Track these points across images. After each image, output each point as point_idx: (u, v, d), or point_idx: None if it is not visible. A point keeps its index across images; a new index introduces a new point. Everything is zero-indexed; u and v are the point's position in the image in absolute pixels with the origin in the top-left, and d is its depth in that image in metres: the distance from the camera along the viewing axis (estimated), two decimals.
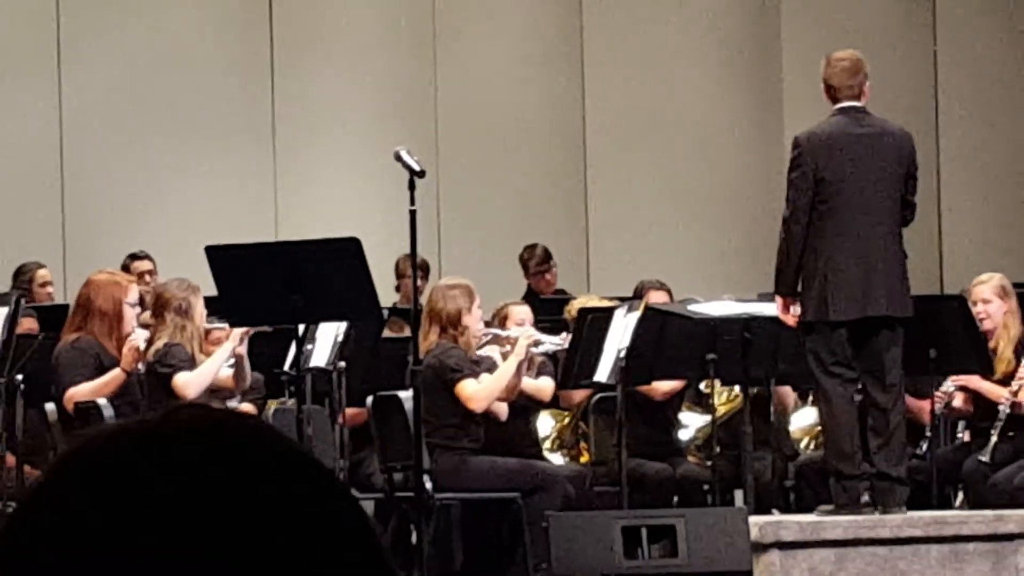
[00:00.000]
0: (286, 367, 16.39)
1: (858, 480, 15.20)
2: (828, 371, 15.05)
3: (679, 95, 24.78)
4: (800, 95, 22.93)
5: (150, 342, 15.53)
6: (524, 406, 16.55)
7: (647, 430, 16.94)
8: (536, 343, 16.36)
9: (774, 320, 15.78)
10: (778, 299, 15.45)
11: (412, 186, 15.17)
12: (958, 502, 16.91)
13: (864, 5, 25.56)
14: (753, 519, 14.80)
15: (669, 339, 16.35)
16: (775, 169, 19.12)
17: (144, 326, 15.91)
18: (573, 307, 17.65)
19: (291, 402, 16.40)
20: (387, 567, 1.72)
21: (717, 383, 16.69)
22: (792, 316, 15.26)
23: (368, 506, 16.75)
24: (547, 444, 17.22)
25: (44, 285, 19.29)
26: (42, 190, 22.26)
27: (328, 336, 16.52)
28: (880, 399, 15.26)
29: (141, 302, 16.12)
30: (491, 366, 16.19)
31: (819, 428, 16.81)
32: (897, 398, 15.46)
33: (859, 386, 15.40)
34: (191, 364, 15.49)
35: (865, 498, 15.26)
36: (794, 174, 15.17)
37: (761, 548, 14.46)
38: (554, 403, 17.15)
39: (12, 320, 16.28)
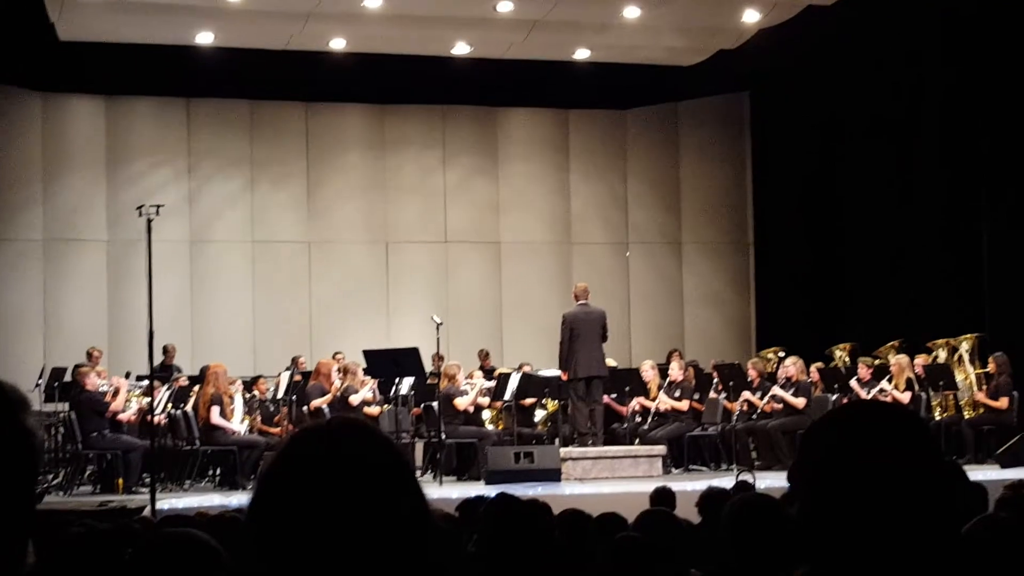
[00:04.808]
0: (391, 393, 17.50)
1: (586, 436, 16.72)
2: (577, 397, 16.81)
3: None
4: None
5: (341, 385, 16.93)
6: (478, 407, 17.70)
7: (522, 416, 18.04)
8: (483, 385, 17.89)
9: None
10: (561, 371, 16.99)
11: (437, 328, 16.98)
12: (636, 443, 17.56)
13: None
14: (561, 450, 16.46)
15: (531, 383, 18.01)
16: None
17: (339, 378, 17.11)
18: (496, 372, 18.94)
19: (391, 406, 17.50)
20: (415, 480, 1.90)
21: (548, 399, 18.32)
22: (565, 376, 16.88)
23: (420, 444, 18.12)
24: (487, 421, 18.09)
25: (302, 364, 19.50)
26: (302, 335, 22.63)
27: (407, 382, 17.43)
28: (595, 408, 16.91)
29: (339, 371, 17.30)
30: (466, 394, 17.34)
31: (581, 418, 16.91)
32: (599, 406, 16.99)
33: (591, 401, 16.86)
34: (355, 392, 16.78)
35: (590, 442, 16.64)
36: (564, 327, 16.76)
37: (563, 459, 16.10)
38: (489, 407, 18.14)
39: (291, 376, 18.21)
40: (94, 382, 16.46)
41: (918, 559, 2.01)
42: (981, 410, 17.69)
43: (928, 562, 2.01)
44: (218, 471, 17.44)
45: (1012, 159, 18.97)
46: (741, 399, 18.26)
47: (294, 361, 19.96)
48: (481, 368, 20.13)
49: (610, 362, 18.14)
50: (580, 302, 17.20)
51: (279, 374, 18.99)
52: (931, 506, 2.03)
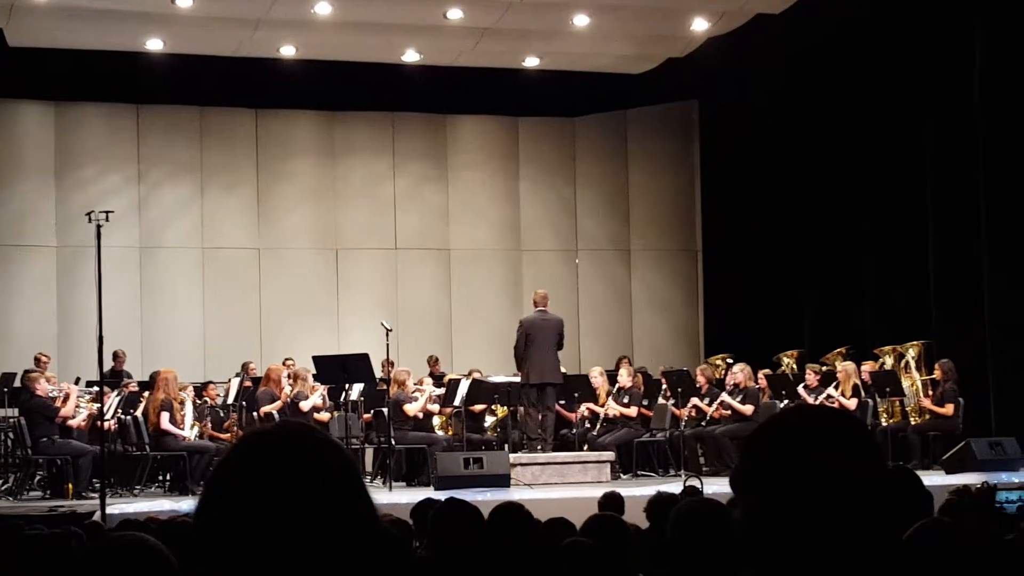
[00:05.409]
0: (341, 399, 17.43)
1: (536, 441, 16.75)
2: (529, 402, 16.90)
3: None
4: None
5: (292, 391, 16.94)
6: (428, 413, 17.55)
7: (472, 422, 18.06)
8: (433, 392, 17.76)
9: (513, 383, 17.43)
10: (519, 374, 17.11)
11: (387, 334, 16.82)
12: (585, 449, 17.47)
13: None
14: (511, 456, 16.24)
15: (480, 389, 17.78)
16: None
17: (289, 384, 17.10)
18: (446, 378, 18.63)
19: (341, 412, 17.36)
20: (362, 483, 1.90)
21: (497, 405, 18.23)
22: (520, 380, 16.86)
23: (370, 450, 18.15)
24: (437, 427, 18.02)
25: (252, 370, 19.34)
26: (252, 341, 22.47)
27: (357, 388, 17.62)
28: (547, 415, 16.98)
29: (289, 377, 17.27)
30: (416, 400, 17.29)
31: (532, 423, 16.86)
32: (551, 413, 17.10)
33: (543, 407, 16.88)
34: (306, 398, 16.89)
35: (539, 448, 16.60)
36: (520, 332, 16.84)
37: (512, 465, 15.90)
38: (439, 413, 18.06)
39: (241, 382, 18.19)
40: (44, 387, 16.38)
41: (864, 563, 2.01)
42: (927, 416, 17.81)
43: (874, 565, 2.02)
44: (168, 476, 17.39)
45: (957, 167, 19.03)
46: (689, 405, 18.24)
47: (244, 367, 19.74)
48: (431, 374, 20.10)
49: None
50: (538, 308, 17.22)
51: (229, 380, 18.91)
52: (879, 511, 2.04)
